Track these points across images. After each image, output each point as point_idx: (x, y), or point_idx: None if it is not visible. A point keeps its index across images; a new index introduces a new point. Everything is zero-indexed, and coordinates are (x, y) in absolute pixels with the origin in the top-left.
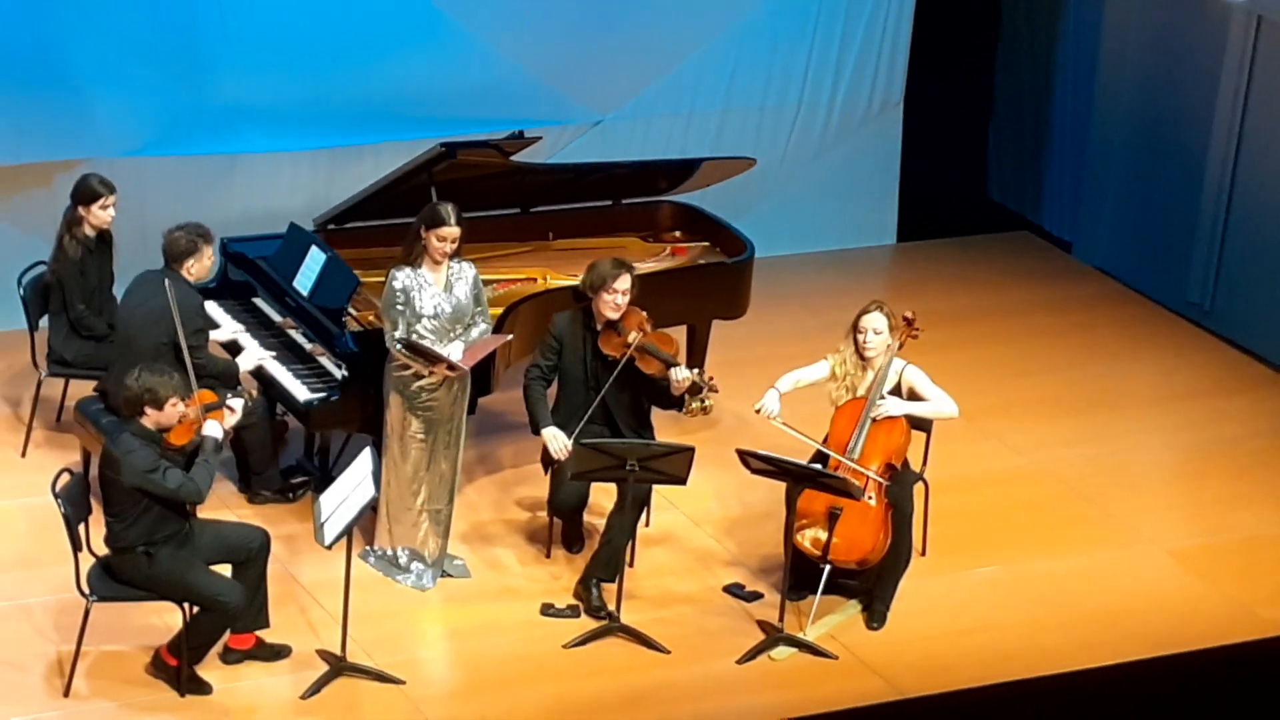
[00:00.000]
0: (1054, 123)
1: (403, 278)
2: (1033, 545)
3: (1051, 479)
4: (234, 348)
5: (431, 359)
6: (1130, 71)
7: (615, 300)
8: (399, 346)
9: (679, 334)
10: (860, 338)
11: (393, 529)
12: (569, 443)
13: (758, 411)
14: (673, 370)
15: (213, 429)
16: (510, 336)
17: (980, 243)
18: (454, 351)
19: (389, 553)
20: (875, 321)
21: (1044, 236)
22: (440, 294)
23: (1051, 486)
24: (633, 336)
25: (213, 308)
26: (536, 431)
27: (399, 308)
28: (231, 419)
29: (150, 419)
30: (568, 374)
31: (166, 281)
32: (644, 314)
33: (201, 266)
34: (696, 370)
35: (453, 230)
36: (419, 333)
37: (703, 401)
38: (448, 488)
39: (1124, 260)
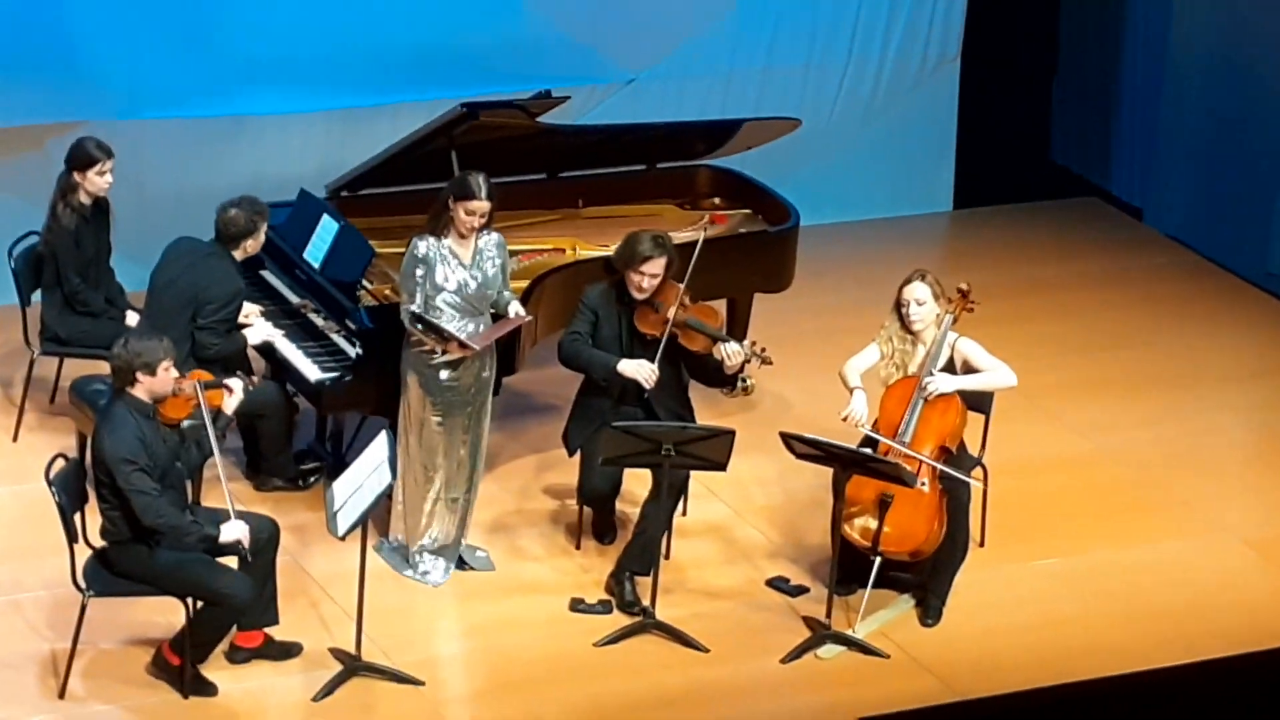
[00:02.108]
0: (1123, 78)
1: (425, 247)
2: (1099, 535)
3: (1119, 463)
4: (243, 328)
5: (442, 337)
6: (1206, 22)
7: (641, 283)
8: (409, 320)
9: (718, 308)
10: (904, 310)
11: (407, 518)
12: (655, 368)
13: (845, 419)
14: (721, 346)
15: (233, 531)
16: (529, 317)
17: (1043, 209)
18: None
19: (401, 544)
20: (917, 291)
21: (1112, 202)
22: (465, 269)
23: (1119, 471)
24: (672, 312)
25: None
26: (612, 372)
27: (418, 279)
28: (231, 400)
29: (143, 386)
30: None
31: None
32: (680, 286)
33: (256, 244)
34: (750, 343)
35: (482, 204)
36: (438, 308)
37: (744, 381)
38: (467, 475)
39: (1199, 228)
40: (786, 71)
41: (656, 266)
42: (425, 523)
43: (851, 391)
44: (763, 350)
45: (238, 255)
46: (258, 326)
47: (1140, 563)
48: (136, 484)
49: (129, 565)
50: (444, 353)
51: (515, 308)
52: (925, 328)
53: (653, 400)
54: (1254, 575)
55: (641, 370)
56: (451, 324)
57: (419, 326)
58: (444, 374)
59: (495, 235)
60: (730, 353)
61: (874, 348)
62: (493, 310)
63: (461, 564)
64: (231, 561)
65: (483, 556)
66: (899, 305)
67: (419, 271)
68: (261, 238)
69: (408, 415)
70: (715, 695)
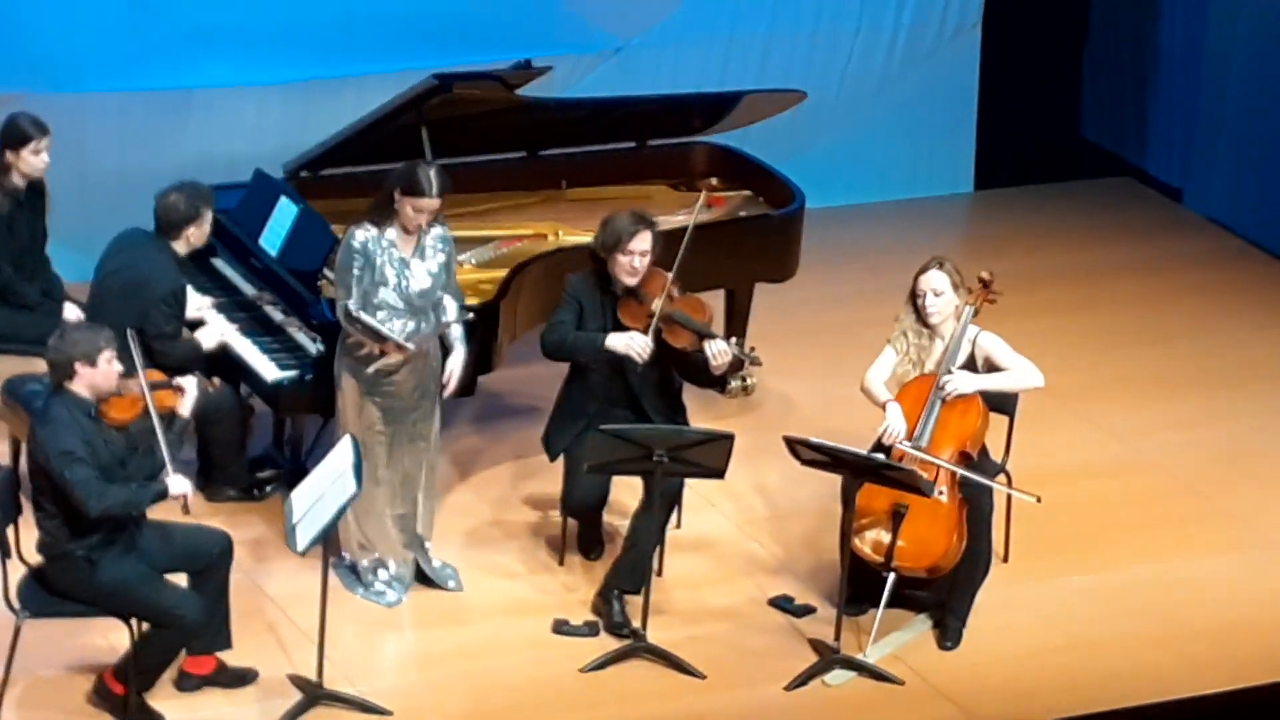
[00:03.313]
0: (1160, 46)
1: (363, 237)
2: (1135, 549)
3: (1158, 470)
4: (195, 324)
5: (378, 337)
6: None
7: (631, 263)
8: (345, 318)
9: (715, 299)
10: (920, 302)
11: (353, 536)
12: (649, 340)
13: (882, 436)
14: (707, 343)
15: (178, 485)
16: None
17: (1072, 190)
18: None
19: (350, 561)
20: (935, 281)
21: (1148, 182)
22: (407, 265)
23: (1158, 479)
24: (656, 304)
25: None
26: (600, 349)
27: (355, 272)
28: (185, 402)
29: (83, 380)
30: None
31: (129, 335)
32: (669, 275)
33: (201, 233)
34: (735, 340)
35: (431, 203)
36: (377, 305)
37: (744, 380)
38: (413, 490)
39: (1244, 210)
40: (791, 39)
41: (644, 242)
42: (372, 540)
43: (884, 406)
44: (752, 350)
45: (179, 248)
46: (211, 326)
47: (1181, 579)
48: (77, 475)
49: (68, 583)
50: (380, 354)
51: (452, 312)
52: (943, 321)
53: (642, 401)
54: None
55: (634, 343)
56: (390, 323)
57: (356, 326)
58: (382, 378)
59: (440, 229)
60: (716, 351)
61: (889, 351)
62: (436, 314)
63: (428, 583)
64: (181, 579)
65: (451, 575)
66: (914, 296)
67: (357, 265)
68: (206, 227)
69: (344, 422)
70: None
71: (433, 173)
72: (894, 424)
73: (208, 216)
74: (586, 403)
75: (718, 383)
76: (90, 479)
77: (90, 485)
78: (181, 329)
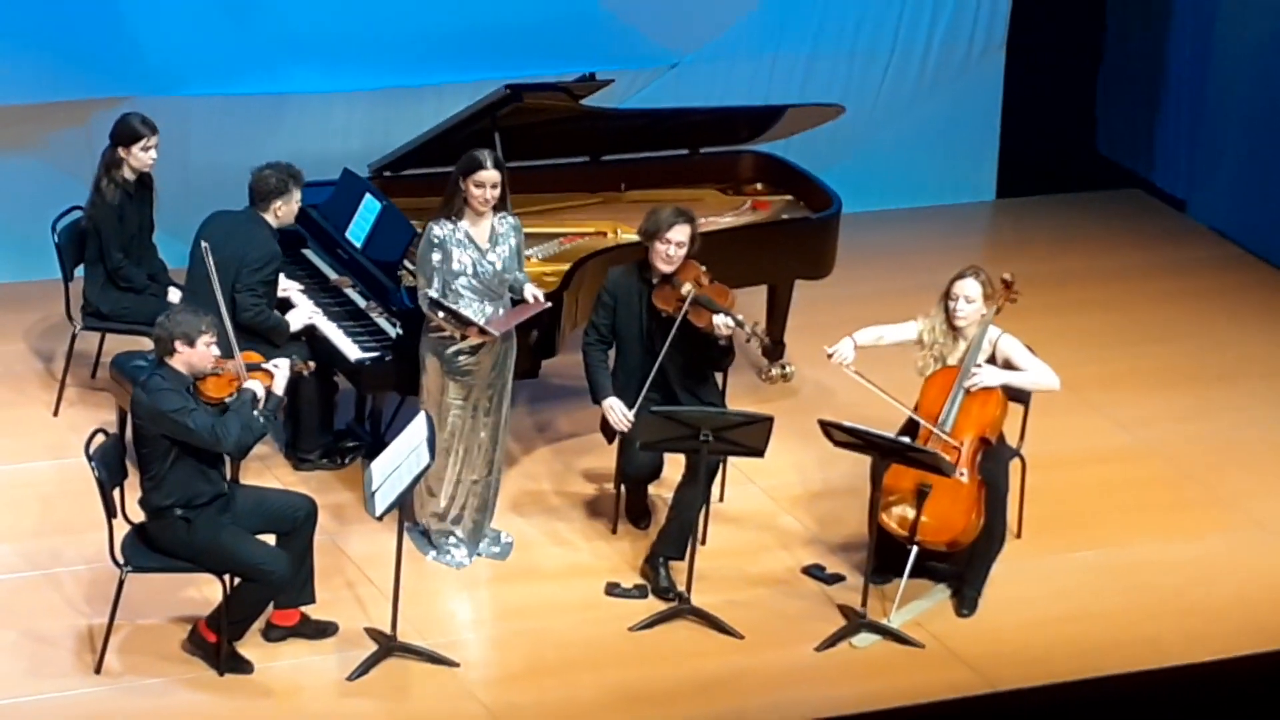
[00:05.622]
0: (1169, 69)
1: (440, 230)
2: (1138, 528)
3: (1159, 457)
4: (284, 305)
5: (461, 322)
6: (1254, 12)
7: (668, 251)
8: (428, 305)
9: (758, 294)
10: (951, 305)
11: (428, 501)
12: (630, 415)
13: (830, 356)
14: (716, 317)
15: (255, 387)
16: (547, 303)
17: (1087, 200)
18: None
19: (424, 526)
20: (968, 288)
21: (1156, 194)
22: (481, 250)
23: (1159, 465)
24: (686, 289)
25: None
26: (597, 402)
27: (435, 264)
28: (278, 381)
29: (181, 358)
30: (624, 333)
31: (204, 246)
32: (702, 267)
33: (289, 209)
34: (755, 323)
35: (491, 174)
36: (457, 291)
37: (784, 368)
38: (487, 458)
39: (1243, 221)
40: (831, 58)
41: (681, 234)
42: (446, 505)
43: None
44: (757, 326)
45: (270, 220)
46: (300, 308)
47: (1179, 558)
48: (198, 422)
49: (168, 541)
50: (463, 338)
51: (530, 290)
52: (969, 325)
53: (674, 384)
54: None
55: (614, 414)
56: (470, 308)
57: (439, 313)
58: (462, 358)
59: (511, 218)
60: (721, 323)
61: (912, 325)
62: (510, 294)
63: (478, 549)
64: (270, 539)
65: (507, 541)
66: (947, 298)
67: (436, 256)
68: (295, 204)
69: (427, 398)
70: (749, 682)
71: (487, 151)
72: (842, 349)
73: (295, 195)
74: (629, 387)
75: (725, 359)
76: (212, 422)
77: (215, 427)
78: (273, 293)
